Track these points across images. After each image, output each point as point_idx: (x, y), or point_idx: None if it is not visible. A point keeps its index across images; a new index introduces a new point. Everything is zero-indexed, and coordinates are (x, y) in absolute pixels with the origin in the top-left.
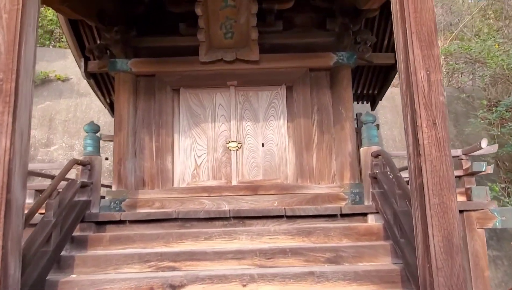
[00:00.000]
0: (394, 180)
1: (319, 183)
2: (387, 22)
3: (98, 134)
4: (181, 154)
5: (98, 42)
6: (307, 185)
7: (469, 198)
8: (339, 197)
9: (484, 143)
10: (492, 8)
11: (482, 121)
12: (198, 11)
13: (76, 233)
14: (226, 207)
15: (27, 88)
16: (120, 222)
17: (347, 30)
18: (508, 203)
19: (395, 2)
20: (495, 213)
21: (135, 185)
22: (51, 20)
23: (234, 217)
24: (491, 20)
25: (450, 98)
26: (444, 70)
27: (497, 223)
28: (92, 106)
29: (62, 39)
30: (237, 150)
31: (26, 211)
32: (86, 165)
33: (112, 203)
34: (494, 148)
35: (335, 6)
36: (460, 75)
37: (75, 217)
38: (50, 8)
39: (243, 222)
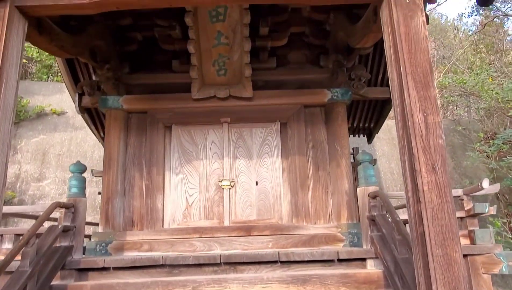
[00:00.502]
0: (393, 224)
1: (315, 223)
2: (381, 57)
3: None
4: (172, 193)
5: (93, 77)
6: (302, 225)
7: (472, 241)
8: (337, 238)
9: (485, 183)
10: (483, 42)
11: (480, 154)
12: (191, 48)
13: (55, 281)
14: (218, 249)
15: (5, 130)
16: (104, 269)
17: (341, 67)
18: (511, 239)
19: (388, 43)
20: (501, 258)
21: (123, 226)
22: (50, 55)
23: (225, 263)
24: (483, 54)
25: (446, 130)
26: (440, 102)
27: (504, 269)
28: (87, 140)
29: (60, 73)
30: (230, 188)
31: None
32: (69, 207)
33: (98, 245)
34: (496, 187)
35: (329, 44)
36: (455, 108)
37: (54, 264)
38: None
39: (235, 268)
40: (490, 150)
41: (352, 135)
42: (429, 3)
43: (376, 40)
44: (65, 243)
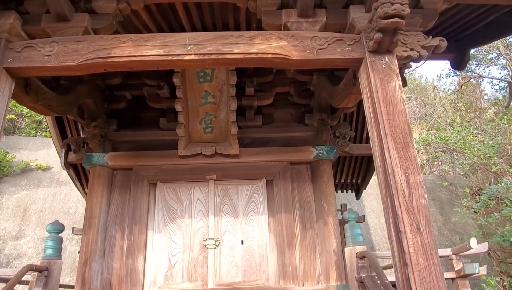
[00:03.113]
0: (382, 287)
1: (303, 285)
2: (364, 115)
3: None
4: (155, 253)
5: (81, 133)
6: (290, 287)
7: None
8: None
9: (473, 242)
10: (462, 101)
11: (468, 210)
12: (178, 107)
13: None
14: None
15: None
16: None
17: (325, 125)
18: None
19: (367, 105)
20: None
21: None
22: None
23: None
24: (463, 112)
25: (433, 185)
26: (424, 158)
27: None
28: (71, 196)
29: (48, 129)
30: (214, 248)
31: None
32: (42, 271)
33: None
34: (484, 247)
35: (313, 103)
36: (440, 164)
37: None
38: None
39: None
40: (477, 206)
41: (340, 191)
42: (404, 68)
43: (356, 101)
44: None
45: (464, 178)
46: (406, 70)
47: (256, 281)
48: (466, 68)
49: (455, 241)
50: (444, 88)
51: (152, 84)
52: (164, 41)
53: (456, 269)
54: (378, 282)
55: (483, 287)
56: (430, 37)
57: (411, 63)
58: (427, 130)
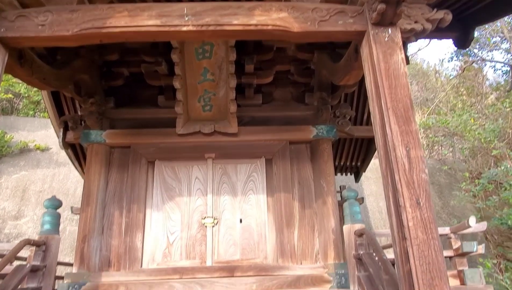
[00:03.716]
0: (380, 263)
1: (301, 263)
2: (366, 97)
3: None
4: (153, 230)
5: (78, 112)
6: (288, 265)
7: (462, 282)
8: (324, 279)
9: (472, 221)
10: (463, 86)
11: (467, 194)
12: (177, 84)
13: None
14: None
15: None
16: None
17: (325, 104)
18: (503, 281)
19: (369, 79)
20: None
21: (100, 266)
22: (37, 91)
23: None
24: (464, 97)
25: (432, 170)
26: (424, 142)
27: None
28: (70, 177)
29: (47, 109)
30: (213, 226)
31: None
32: (40, 245)
33: (71, 287)
34: (483, 226)
35: (313, 82)
36: (440, 148)
37: None
38: None
39: None
40: (476, 189)
41: (340, 174)
42: (408, 42)
43: (358, 77)
44: (32, 285)
45: (464, 163)
46: (408, 54)
47: (254, 259)
48: (468, 52)
49: (453, 224)
50: (446, 74)
51: (150, 60)
52: (161, 11)
53: (454, 247)
54: (376, 258)
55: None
56: (435, 9)
57: (414, 50)
58: (427, 115)
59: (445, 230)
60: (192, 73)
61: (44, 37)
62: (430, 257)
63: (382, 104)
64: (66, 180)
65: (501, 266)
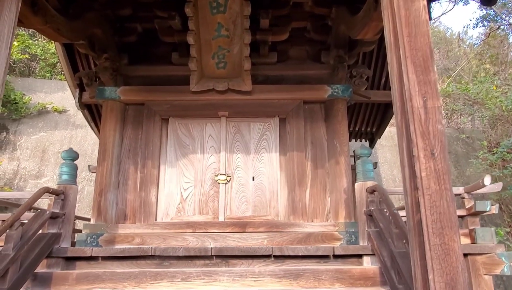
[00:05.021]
0: (390, 217)
1: (312, 221)
2: (384, 60)
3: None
4: (167, 186)
5: (93, 68)
6: (299, 223)
7: (473, 241)
8: (334, 236)
9: (487, 180)
10: (487, 54)
11: (483, 162)
12: (190, 40)
13: (41, 269)
14: (211, 244)
15: None
16: (92, 258)
17: (342, 63)
18: None
19: (388, 28)
20: (503, 258)
21: (116, 219)
22: (53, 53)
23: (217, 256)
24: (488, 65)
25: (450, 138)
26: (443, 111)
27: (506, 270)
28: (87, 138)
29: (63, 72)
30: (226, 183)
31: None
32: (59, 194)
33: (89, 237)
34: (499, 186)
35: (330, 39)
36: (459, 116)
37: (40, 251)
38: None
39: (227, 262)
40: (494, 158)
41: (354, 140)
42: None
43: (376, 29)
44: (52, 230)
45: (483, 133)
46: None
47: (266, 216)
48: (495, 18)
49: None
50: (470, 42)
51: (163, 15)
52: None
53: (467, 206)
54: (387, 213)
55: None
56: None
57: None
58: (447, 84)
59: (459, 189)
60: (206, 29)
61: None
62: (442, 207)
63: (401, 53)
64: (84, 142)
65: None
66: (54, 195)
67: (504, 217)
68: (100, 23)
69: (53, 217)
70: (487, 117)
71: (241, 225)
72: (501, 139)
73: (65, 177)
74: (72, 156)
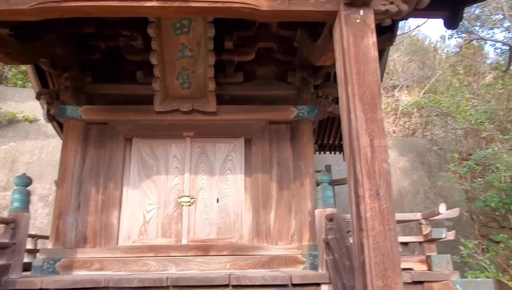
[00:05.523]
0: (344, 249)
1: (276, 244)
2: None
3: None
4: (129, 208)
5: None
6: (263, 245)
7: (429, 267)
8: (297, 260)
9: (442, 208)
10: (461, 64)
11: (454, 175)
12: (154, 60)
13: None
14: (173, 269)
15: None
16: None
17: (307, 84)
18: (482, 261)
19: (339, 63)
20: (457, 286)
21: (75, 243)
22: None
23: (174, 286)
24: (461, 76)
25: (423, 149)
26: (418, 121)
27: None
28: (59, 148)
29: None
30: (189, 205)
31: None
32: (9, 223)
33: (46, 263)
34: (455, 212)
35: (296, 60)
36: (433, 128)
37: None
38: None
39: None
40: (463, 171)
41: (329, 152)
42: (382, 24)
43: (333, 59)
44: (1, 261)
45: (455, 144)
46: (408, 30)
47: (230, 238)
48: (469, 30)
49: (440, 204)
50: (447, 51)
51: (127, 34)
52: None
53: (424, 233)
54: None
55: (461, 249)
56: None
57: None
58: (423, 93)
59: (416, 216)
60: (169, 49)
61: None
62: (385, 249)
63: (349, 90)
64: (55, 152)
65: (482, 246)
66: (4, 225)
67: (475, 228)
68: (61, 43)
69: (2, 247)
70: (459, 129)
71: (204, 249)
72: (473, 151)
73: (16, 204)
74: (24, 182)
